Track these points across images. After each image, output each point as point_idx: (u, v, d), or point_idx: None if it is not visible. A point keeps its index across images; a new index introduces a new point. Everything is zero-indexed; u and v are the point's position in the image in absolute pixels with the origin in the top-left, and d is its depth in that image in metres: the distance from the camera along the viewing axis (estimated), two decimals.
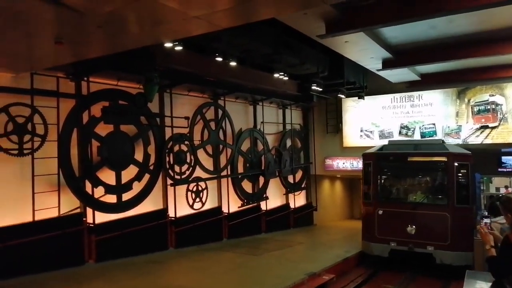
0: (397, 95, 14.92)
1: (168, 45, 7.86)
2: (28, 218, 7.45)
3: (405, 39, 10.05)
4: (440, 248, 9.40)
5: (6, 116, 7.18)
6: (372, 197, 10.68)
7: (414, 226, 9.69)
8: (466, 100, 13.85)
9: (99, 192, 8.45)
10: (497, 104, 13.31)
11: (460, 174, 9.95)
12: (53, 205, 7.77)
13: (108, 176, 8.68)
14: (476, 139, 13.55)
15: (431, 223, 9.72)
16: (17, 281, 7.01)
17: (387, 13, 7.43)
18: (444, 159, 9.96)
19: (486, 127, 13.47)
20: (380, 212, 10.22)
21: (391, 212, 10.23)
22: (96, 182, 8.41)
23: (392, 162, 10.84)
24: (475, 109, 13.69)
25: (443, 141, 11.03)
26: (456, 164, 9.85)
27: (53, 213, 7.76)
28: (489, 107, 13.44)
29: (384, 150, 10.95)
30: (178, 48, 8.18)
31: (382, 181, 11.02)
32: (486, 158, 12.56)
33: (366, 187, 11.05)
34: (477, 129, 13.60)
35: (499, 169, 13.30)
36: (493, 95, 13.44)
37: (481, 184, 11.67)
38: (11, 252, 7.06)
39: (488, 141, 13.41)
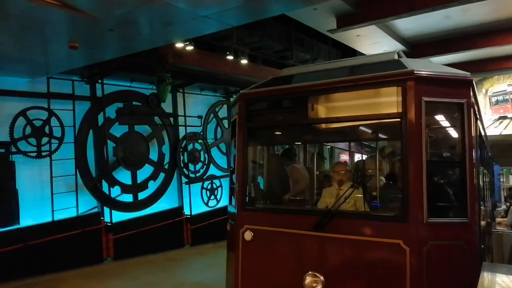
0: None
1: (179, 45, 7.92)
2: (48, 218, 7.65)
3: (419, 31, 9.89)
4: None
5: (25, 120, 7.37)
6: (234, 199, 4.06)
7: (321, 277, 3.27)
8: (483, 90, 13.58)
9: (115, 191, 8.61)
10: None
11: (438, 131, 3.53)
12: (72, 205, 7.95)
13: (124, 176, 8.83)
14: (495, 130, 13.24)
15: (363, 267, 3.20)
16: (38, 279, 7.21)
17: (399, 4, 7.31)
18: (395, 90, 3.16)
19: (505, 117, 13.21)
20: (248, 236, 3.72)
21: (271, 235, 3.67)
22: (113, 182, 8.56)
23: (280, 114, 4.28)
24: (493, 99, 13.41)
25: (399, 54, 3.68)
26: (427, 102, 3.04)
27: (71, 213, 7.95)
28: (507, 97, 13.16)
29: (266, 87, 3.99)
30: (189, 47, 8.23)
31: (258, 160, 4.84)
32: (506, 149, 12.26)
33: (230, 176, 4.71)
34: (496, 120, 13.31)
35: None
36: (511, 85, 13.11)
37: (500, 176, 11.21)
38: (32, 251, 7.27)
39: (508, 131, 13.09)
